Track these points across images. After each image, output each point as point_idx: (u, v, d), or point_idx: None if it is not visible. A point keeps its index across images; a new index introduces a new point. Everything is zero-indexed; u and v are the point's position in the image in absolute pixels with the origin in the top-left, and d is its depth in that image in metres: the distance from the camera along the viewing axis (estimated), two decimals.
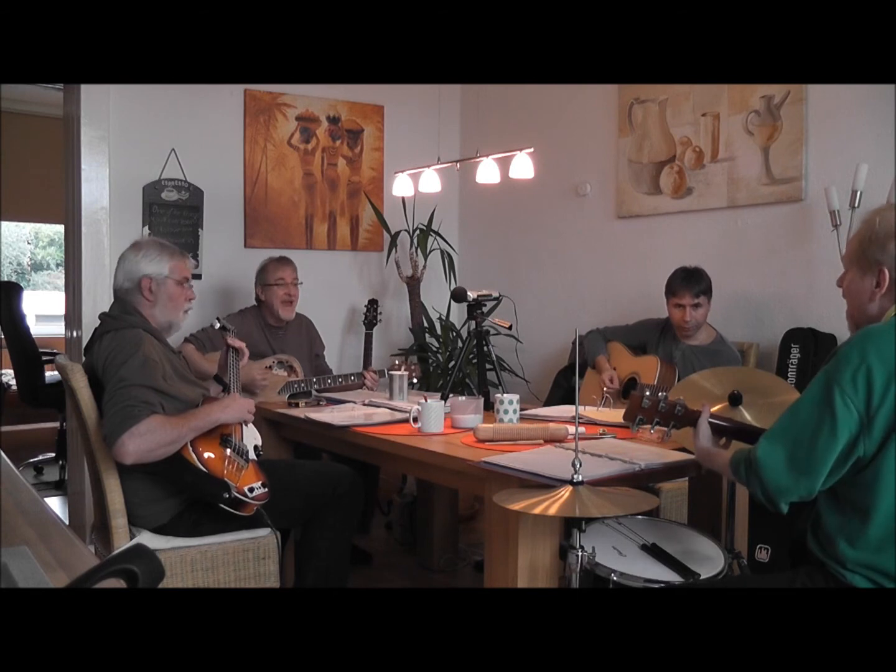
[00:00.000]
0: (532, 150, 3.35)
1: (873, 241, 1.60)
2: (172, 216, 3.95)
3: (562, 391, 3.61)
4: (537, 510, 1.62)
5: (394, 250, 4.38)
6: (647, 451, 2.15)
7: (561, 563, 1.93)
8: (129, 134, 3.83)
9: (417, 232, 4.38)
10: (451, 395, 2.90)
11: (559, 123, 4.23)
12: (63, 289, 4.19)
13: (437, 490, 3.45)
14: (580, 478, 1.69)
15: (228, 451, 2.26)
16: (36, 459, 5.24)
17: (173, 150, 3.94)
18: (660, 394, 1.86)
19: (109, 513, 2.23)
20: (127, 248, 2.46)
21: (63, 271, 4.43)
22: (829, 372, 1.49)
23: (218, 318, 2.81)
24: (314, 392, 3.24)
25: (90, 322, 3.32)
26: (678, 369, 3.10)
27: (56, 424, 5.31)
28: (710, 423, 1.81)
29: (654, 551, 1.90)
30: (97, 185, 3.74)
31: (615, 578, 1.76)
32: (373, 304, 4.04)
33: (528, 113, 4.40)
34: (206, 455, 2.21)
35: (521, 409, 2.58)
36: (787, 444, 1.51)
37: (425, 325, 4.44)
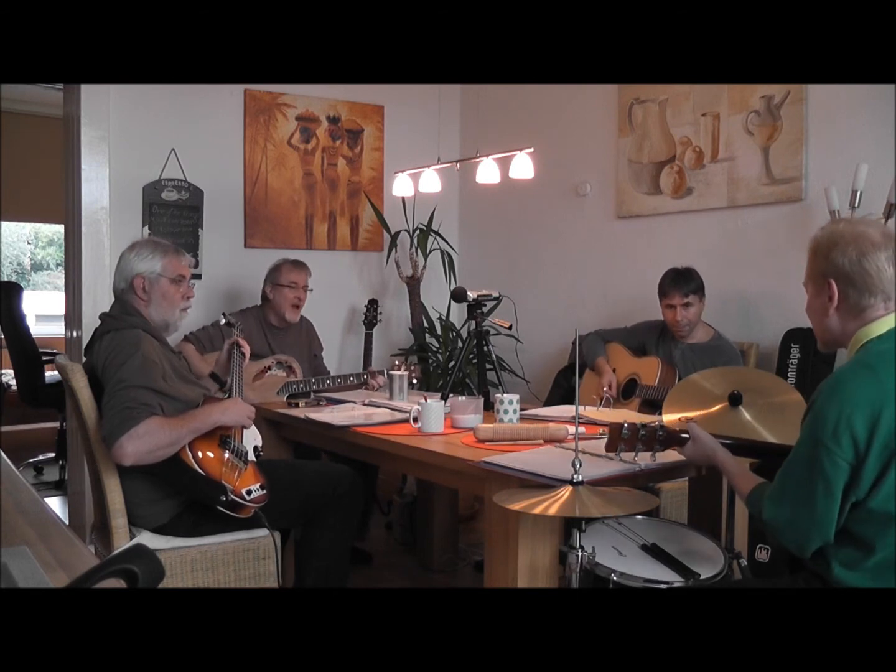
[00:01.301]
0: (532, 150, 3.35)
1: (818, 255, 1.60)
2: (172, 216, 3.95)
3: (562, 391, 3.61)
4: (537, 510, 1.62)
5: (394, 250, 4.38)
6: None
7: (560, 567, 1.93)
8: (129, 134, 3.83)
9: (417, 232, 4.38)
10: (451, 395, 2.90)
11: (559, 123, 4.23)
12: (63, 289, 4.19)
13: (437, 490, 3.45)
14: (580, 478, 1.69)
15: (227, 453, 2.26)
16: (36, 459, 5.24)
17: (173, 150, 3.94)
18: (638, 423, 1.88)
19: (109, 513, 2.23)
20: (128, 247, 2.46)
21: (63, 271, 4.43)
22: (812, 429, 1.49)
23: (224, 314, 2.82)
24: (313, 392, 3.24)
25: (90, 322, 3.32)
26: (678, 369, 3.10)
27: (56, 424, 5.31)
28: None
29: (654, 551, 1.90)
30: (97, 185, 3.74)
31: (615, 578, 1.76)
32: (373, 304, 4.05)
33: (528, 113, 4.40)
34: (203, 457, 2.21)
35: (521, 409, 2.58)
36: (789, 505, 1.52)
37: (425, 325, 4.44)
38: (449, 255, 4.44)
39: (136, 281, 2.38)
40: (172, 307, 2.44)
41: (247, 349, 2.59)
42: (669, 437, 1.86)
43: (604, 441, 2.30)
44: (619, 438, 1.89)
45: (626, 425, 1.88)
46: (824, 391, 1.50)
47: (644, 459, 1.98)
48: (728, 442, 1.83)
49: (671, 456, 2.12)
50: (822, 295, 1.59)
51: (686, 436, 1.84)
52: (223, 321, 2.77)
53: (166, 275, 2.41)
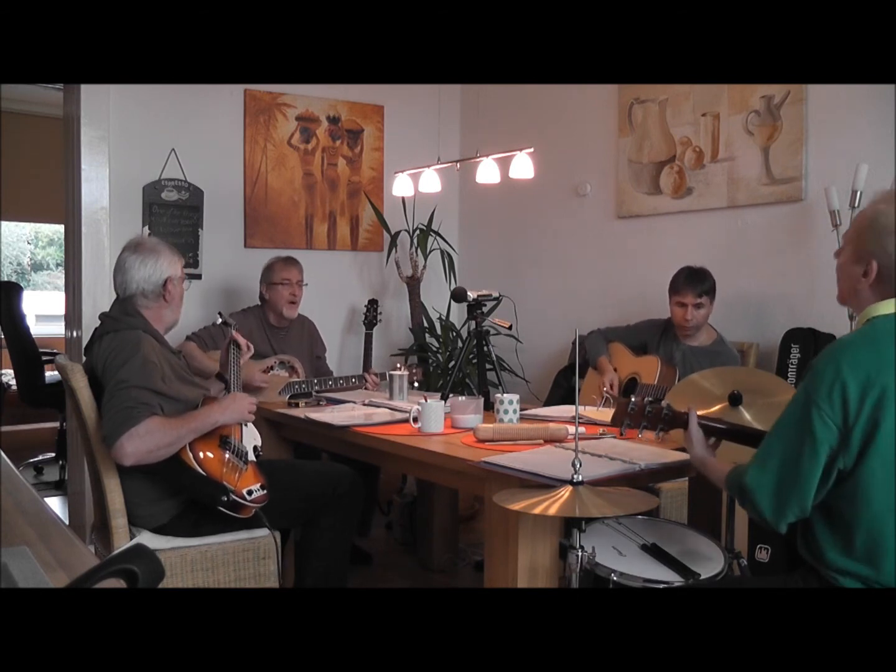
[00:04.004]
0: (532, 150, 3.35)
1: (871, 231, 1.59)
2: (172, 216, 3.95)
3: (562, 391, 3.61)
4: (537, 510, 1.62)
5: (394, 250, 4.38)
6: (647, 451, 2.15)
7: (561, 563, 1.93)
8: (129, 134, 3.83)
9: (417, 232, 4.38)
10: (451, 395, 2.89)
11: (559, 123, 4.23)
12: (63, 289, 4.19)
13: (437, 490, 3.45)
14: (580, 478, 1.69)
15: (227, 453, 2.26)
16: (36, 459, 5.24)
17: (173, 150, 3.94)
18: (645, 399, 1.88)
19: (109, 513, 2.23)
20: (133, 250, 2.40)
21: (63, 271, 4.43)
22: (807, 389, 1.51)
23: (220, 314, 2.82)
24: (314, 393, 3.24)
25: (90, 322, 3.32)
26: (678, 370, 3.10)
27: (56, 424, 5.31)
28: (702, 424, 1.82)
29: (654, 551, 1.90)
30: (97, 185, 3.74)
31: (615, 578, 1.76)
32: (373, 304, 4.05)
33: (528, 113, 4.40)
34: (204, 457, 2.21)
35: (521, 409, 2.58)
36: (773, 467, 1.53)
37: (425, 325, 4.44)
38: (449, 255, 4.44)
39: (168, 284, 2.39)
40: (181, 306, 2.48)
41: (243, 341, 2.59)
42: (674, 418, 1.86)
43: (604, 441, 2.31)
44: (625, 413, 1.89)
45: (633, 400, 1.89)
46: (824, 354, 1.52)
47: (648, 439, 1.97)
48: (722, 427, 1.83)
49: (671, 456, 2.12)
50: (859, 266, 1.59)
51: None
52: (219, 321, 2.77)
53: (181, 276, 2.46)
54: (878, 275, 1.57)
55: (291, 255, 3.72)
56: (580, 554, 1.70)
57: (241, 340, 2.57)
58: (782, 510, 1.52)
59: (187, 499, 2.30)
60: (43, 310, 7.80)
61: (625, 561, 1.85)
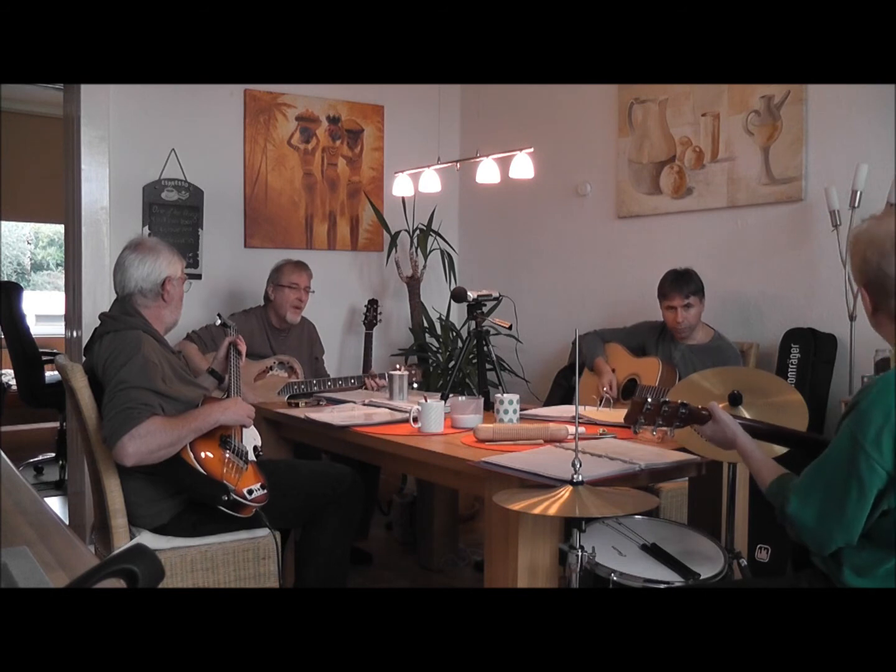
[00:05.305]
0: (532, 150, 3.35)
1: (851, 259, 1.55)
2: (172, 216, 3.95)
3: (562, 391, 3.61)
4: (537, 510, 1.62)
5: (394, 250, 4.38)
6: (647, 451, 2.15)
7: (560, 568, 1.93)
8: (129, 134, 3.83)
9: (417, 232, 4.38)
10: (451, 395, 2.90)
11: (559, 123, 4.23)
12: (63, 289, 4.19)
13: (437, 490, 3.45)
14: (580, 478, 1.69)
15: (227, 452, 2.26)
16: (36, 459, 5.24)
17: (173, 150, 3.94)
18: (662, 399, 1.85)
19: (109, 513, 2.23)
20: (133, 249, 2.40)
21: (63, 271, 4.43)
22: (853, 431, 1.43)
23: (219, 315, 2.83)
24: (314, 393, 3.24)
25: (90, 322, 3.33)
26: (678, 370, 3.10)
27: (56, 424, 5.31)
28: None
29: (654, 551, 1.90)
30: (97, 185, 3.74)
31: (615, 578, 1.76)
32: (373, 304, 4.05)
33: (528, 113, 4.40)
34: (204, 456, 2.21)
35: (521, 409, 2.58)
36: (817, 502, 1.47)
37: (425, 325, 4.44)
38: (449, 255, 4.44)
39: (167, 284, 2.39)
40: (181, 307, 2.48)
41: (243, 347, 2.60)
42: (691, 415, 1.81)
43: (604, 441, 2.31)
44: (639, 412, 1.84)
45: (649, 399, 1.82)
46: (871, 393, 1.44)
47: (658, 438, 1.97)
48: (749, 424, 1.81)
49: (671, 455, 2.12)
50: (866, 298, 1.54)
51: (707, 414, 1.81)
52: (219, 322, 2.78)
53: (181, 277, 2.46)
54: (871, 301, 1.51)
55: (290, 255, 3.73)
56: (580, 554, 1.70)
57: (241, 346, 2.58)
58: (826, 543, 1.48)
59: (187, 499, 2.30)
60: (43, 310, 7.80)
61: (625, 561, 1.85)
